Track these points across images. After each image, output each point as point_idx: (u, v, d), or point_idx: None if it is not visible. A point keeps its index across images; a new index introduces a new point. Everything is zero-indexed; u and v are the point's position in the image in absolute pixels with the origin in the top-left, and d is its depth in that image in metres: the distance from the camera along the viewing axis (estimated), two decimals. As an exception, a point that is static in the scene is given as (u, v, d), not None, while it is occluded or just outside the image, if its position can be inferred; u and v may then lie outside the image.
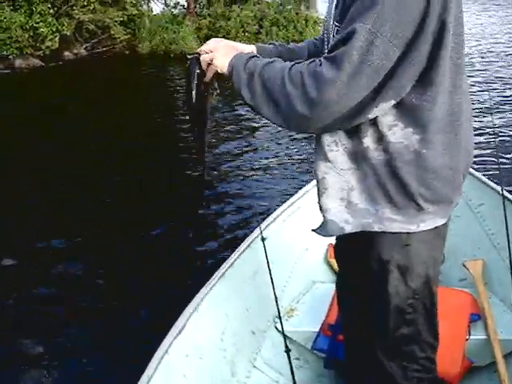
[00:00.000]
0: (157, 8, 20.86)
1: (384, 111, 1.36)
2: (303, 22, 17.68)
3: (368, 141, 1.43)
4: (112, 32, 17.15)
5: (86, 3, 16.54)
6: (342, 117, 1.31)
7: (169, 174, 6.32)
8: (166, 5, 20.77)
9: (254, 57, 1.47)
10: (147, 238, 4.54)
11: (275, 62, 1.42)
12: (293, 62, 1.39)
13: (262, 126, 7.75)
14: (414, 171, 1.43)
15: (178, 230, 4.69)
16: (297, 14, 17.95)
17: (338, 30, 1.39)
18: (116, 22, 17.06)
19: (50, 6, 16.06)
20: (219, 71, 1.51)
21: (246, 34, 17.03)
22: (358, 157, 1.47)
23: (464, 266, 3.02)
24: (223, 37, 16.75)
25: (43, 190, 5.86)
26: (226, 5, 17.93)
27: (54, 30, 16.05)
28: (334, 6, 1.49)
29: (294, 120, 1.37)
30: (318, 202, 1.61)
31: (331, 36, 1.45)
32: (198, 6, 19.22)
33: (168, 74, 14.19)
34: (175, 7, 20.06)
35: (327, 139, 1.49)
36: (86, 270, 4.19)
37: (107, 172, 6.39)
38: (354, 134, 1.44)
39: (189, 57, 1.53)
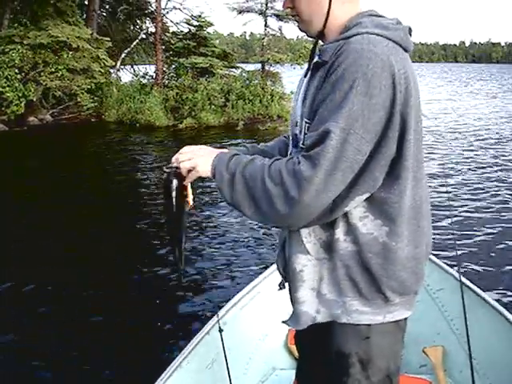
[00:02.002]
0: (126, 77, 21.25)
1: (358, 204, 1.40)
2: (269, 96, 18.24)
3: (339, 232, 1.44)
4: (78, 99, 17.27)
5: (53, 70, 16.75)
6: (321, 212, 1.35)
7: (132, 245, 6.24)
8: (135, 74, 21.16)
9: (234, 155, 1.48)
10: (102, 326, 4.38)
11: (256, 160, 1.44)
12: (272, 160, 1.42)
13: (224, 214, 7.69)
14: (381, 262, 1.44)
15: (139, 313, 4.51)
16: (263, 88, 18.48)
17: (308, 126, 1.41)
18: (83, 89, 17.21)
19: (17, 71, 16.22)
20: (202, 175, 1.52)
21: (213, 106, 17.39)
22: (329, 248, 1.47)
23: (424, 352, 3.00)
24: (189, 108, 17.11)
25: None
26: (193, 77, 18.35)
27: (21, 95, 16.15)
28: (300, 103, 1.54)
29: (275, 218, 1.39)
30: (294, 295, 1.59)
31: (302, 132, 1.49)
32: (166, 77, 19.60)
33: (134, 143, 14.24)
34: (144, 77, 20.45)
35: (303, 231, 1.49)
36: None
37: (66, 239, 6.27)
38: (327, 225, 1.45)
39: (166, 170, 1.51)
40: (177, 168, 1.52)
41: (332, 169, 1.29)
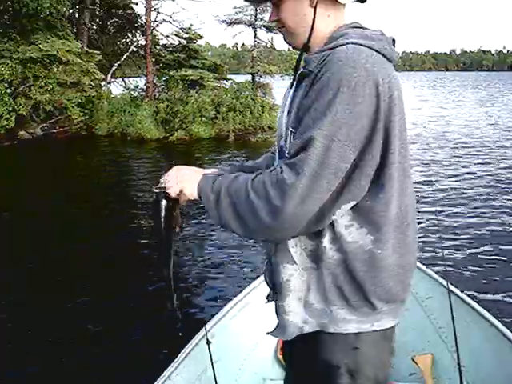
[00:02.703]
0: (117, 90, 21.24)
1: (344, 212, 1.40)
2: (259, 107, 18.27)
3: (326, 241, 1.45)
4: (69, 113, 17.25)
5: (43, 84, 16.73)
6: (308, 221, 1.35)
7: (120, 258, 6.22)
8: (126, 87, 21.17)
9: (219, 175, 1.50)
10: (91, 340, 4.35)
11: (239, 177, 1.45)
12: (255, 173, 1.43)
13: (213, 225, 7.65)
14: (368, 270, 1.44)
15: (126, 325, 4.46)
16: (253, 100, 18.51)
17: (293, 135, 1.42)
18: (74, 103, 17.20)
19: (7, 85, 16.18)
20: (190, 198, 1.54)
21: (203, 118, 17.41)
22: (316, 257, 1.47)
23: (413, 360, 3.01)
24: (180, 120, 17.11)
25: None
26: (184, 89, 18.36)
27: (11, 109, 16.11)
28: (285, 113, 1.53)
29: (263, 231, 1.39)
30: (281, 305, 1.59)
31: (287, 142, 1.50)
32: (156, 89, 19.63)
33: (125, 156, 14.21)
34: (135, 90, 20.46)
35: (290, 240, 1.50)
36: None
37: (56, 257, 6.20)
38: (313, 234, 1.45)
39: (155, 190, 1.53)
40: (165, 188, 1.53)
41: (315, 176, 1.30)
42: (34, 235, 7.07)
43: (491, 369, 2.70)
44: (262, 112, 18.17)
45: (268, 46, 20.42)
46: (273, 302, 1.67)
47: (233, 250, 6.48)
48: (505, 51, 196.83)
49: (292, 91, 1.55)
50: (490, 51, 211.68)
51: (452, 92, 47.41)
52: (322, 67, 1.37)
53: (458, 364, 2.54)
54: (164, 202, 1.53)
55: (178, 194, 1.54)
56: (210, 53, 22.89)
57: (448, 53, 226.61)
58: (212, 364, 2.25)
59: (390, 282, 1.48)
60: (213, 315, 2.98)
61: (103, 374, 3.71)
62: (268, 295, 1.75)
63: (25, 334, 4.21)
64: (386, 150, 1.38)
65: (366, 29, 1.51)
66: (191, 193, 1.51)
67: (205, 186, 1.48)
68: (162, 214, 1.54)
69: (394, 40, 1.52)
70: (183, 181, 1.53)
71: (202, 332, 2.66)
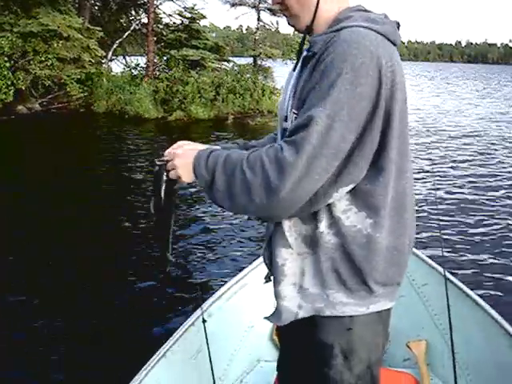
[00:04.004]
0: (118, 68, 21.12)
1: (342, 196, 1.40)
2: (260, 91, 18.19)
3: (323, 225, 1.44)
4: (68, 89, 17.15)
5: (43, 58, 16.62)
6: (305, 202, 1.34)
7: (116, 236, 6.23)
8: (127, 65, 21.04)
9: (211, 152, 1.47)
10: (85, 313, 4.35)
11: (232, 154, 1.42)
12: (250, 151, 1.40)
13: (212, 204, 7.59)
14: (366, 254, 1.44)
15: (124, 303, 4.48)
16: (254, 82, 18.43)
17: (296, 117, 1.41)
18: (73, 79, 17.09)
19: (6, 58, 16.04)
20: (186, 180, 1.53)
21: (203, 99, 17.31)
22: (312, 241, 1.47)
23: (408, 346, 3.03)
24: (179, 100, 17.01)
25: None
26: (184, 69, 18.24)
27: (9, 83, 15.98)
28: (290, 95, 1.54)
29: (255, 209, 1.38)
30: (276, 289, 1.58)
31: (290, 123, 1.48)
32: (157, 68, 19.51)
33: (122, 134, 14.11)
34: (135, 68, 20.32)
35: (286, 224, 1.49)
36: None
37: (50, 238, 6.15)
38: (309, 218, 1.45)
39: (157, 162, 1.55)
40: (168, 162, 1.54)
41: (315, 155, 1.28)
42: (29, 218, 6.86)
43: (484, 355, 2.72)
44: (263, 95, 18.09)
45: (272, 29, 20.31)
46: (271, 283, 1.66)
47: (234, 230, 6.47)
48: (511, 45, 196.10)
49: (296, 74, 1.54)
50: (495, 44, 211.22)
51: (450, 83, 47.29)
52: (326, 48, 1.37)
53: (452, 351, 2.54)
54: (165, 175, 1.54)
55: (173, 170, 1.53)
56: (214, 34, 22.74)
57: (453, 44, 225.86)
58: (207, 342, 2.26)
59: (386, 265, 1.48)
60: (210, 295, 2.97)
61: (96, 352, 3.72)
62: (266, 275, 1.76)
63: (25, 333, 4.14)
64: (386, 133, 1.37)
65: (370, 12, 1.50)
66: (188, 179, 1.51)
67: (199, 168, 1.45)
68: (163, 187, 1.55)
69: (398, 24, 1.51)
70: (178, 167, 1.51)
71: (199, 311, 2.66)
